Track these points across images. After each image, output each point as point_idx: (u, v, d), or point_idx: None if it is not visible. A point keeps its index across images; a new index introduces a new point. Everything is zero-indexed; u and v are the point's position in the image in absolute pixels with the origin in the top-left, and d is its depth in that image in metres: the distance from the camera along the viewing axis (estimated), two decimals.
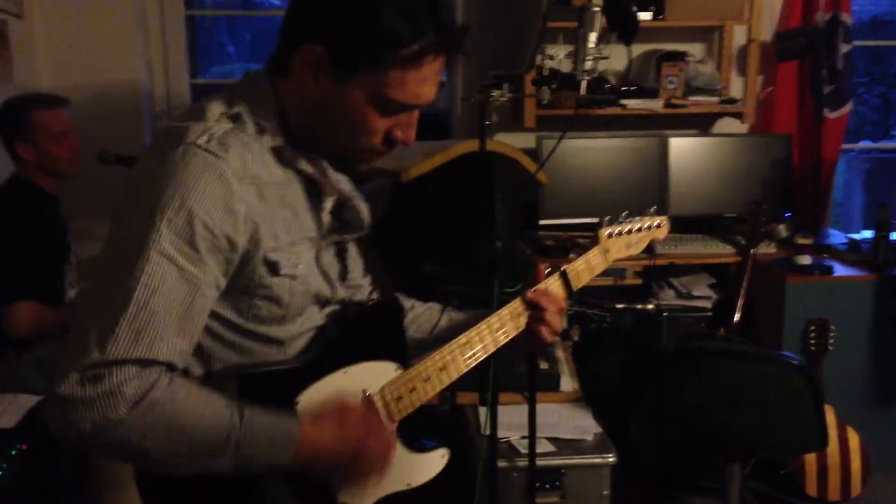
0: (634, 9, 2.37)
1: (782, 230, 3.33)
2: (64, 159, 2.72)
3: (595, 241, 1.63)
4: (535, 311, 1.49)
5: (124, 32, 3.37)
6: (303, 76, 1.23)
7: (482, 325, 1.46)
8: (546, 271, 1.54)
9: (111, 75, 3.35)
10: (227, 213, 1.16)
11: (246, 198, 1.19)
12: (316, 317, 1.35)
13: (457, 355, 1.43)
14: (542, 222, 3.42)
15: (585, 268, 1.60)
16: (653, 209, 1.74)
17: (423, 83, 1.23)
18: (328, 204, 1.35)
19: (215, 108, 1.24)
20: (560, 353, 2.88)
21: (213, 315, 1.23)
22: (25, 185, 2.70)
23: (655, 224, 1.74)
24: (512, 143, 3.20)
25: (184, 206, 1.13)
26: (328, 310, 1.37)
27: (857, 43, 3.62)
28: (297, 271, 1.27)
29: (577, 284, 1.57)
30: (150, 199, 1.14)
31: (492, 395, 2.18)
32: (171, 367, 1.14)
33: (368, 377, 1.35)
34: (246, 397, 1.21)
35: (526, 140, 3.45)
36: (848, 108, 3.60)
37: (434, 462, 1.46)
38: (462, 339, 1.44)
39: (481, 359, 1.46)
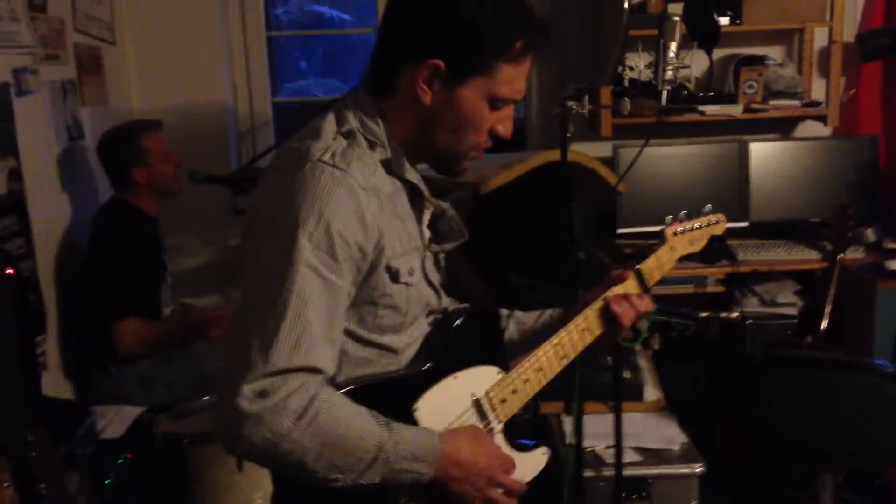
0: (715, 15, 2.36)
1: (870, 234, 3.25)
2: (171, 178, 2.87)
3: (662, 239, 1.71)
4: (614, 303, 1.56)
5: (210, 55, 3.50)
6: (413, 90, 1.30)
7: (570, 326, 1.53)
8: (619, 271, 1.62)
9: (198, 97, 3.49)
10: (359, 223, 1.23)
11: (371, 208, 1.25)
12: (424, 325, 1.42)
13: (551, 356, 1.50)
14: (621, 231, 3.41)
15: (656, 265, 1.68)
16: (708, 207, 1.81)
17: (521, 77, 1.34)
18: (427, 215, 1.44)
19: (329, 127, 1.31)
20: (643, 362, 2.87)
21: (346, 332, 1.29)
22: (127, 207, 2.84)
23: (714, 221, 1.81)
24: (588, 152, 3.20)
25: (322, 219, 1.19)
26: (432, 318, 1.44)
27: None
28: (412, 280, 1.34)
29: (650, 282, 1.65)
30: (288, 215, 1.20)
31: (578, 403, 2.20)
32: (324, 375, 1.21)
33: (475, 382, 1.42)
34: (363, 403, 1.26)
35: (602, 149, 3.45)
36: None
37: (538, 460, 1.52)
38: (554, 339, 1.51)
39: (572, 357, 1.53)
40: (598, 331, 1.56)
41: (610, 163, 3.31)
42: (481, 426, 1.42)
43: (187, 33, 3.46)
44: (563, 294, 2.22)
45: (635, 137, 3.37)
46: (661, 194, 3.40)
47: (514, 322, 1.63)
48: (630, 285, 1.60)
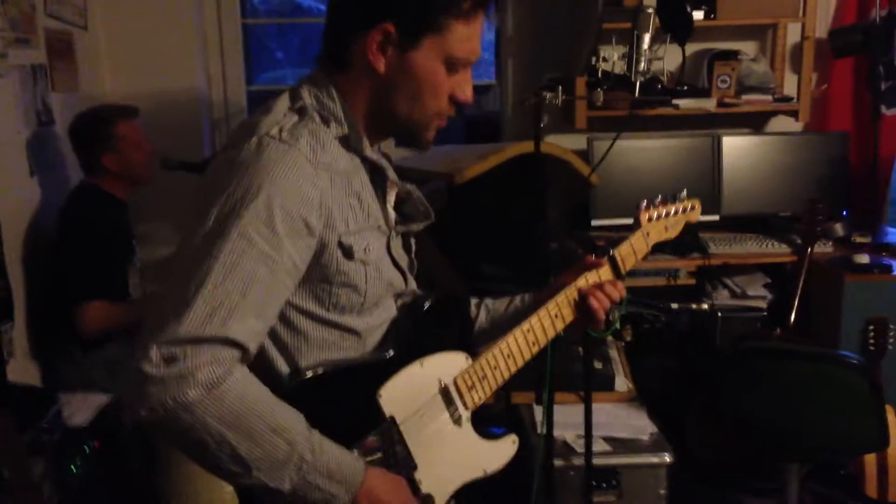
0: (688, 9, 2.37)
1: (839, 229, 3.29)
2: (143, 166, 2.85)
3: (637, 224, 1.69)
4: (590, 294, 1.54)
5: (184, 42, 3.47)
6: (366, 60, 1.29)
7: (542, 312, 1.51)
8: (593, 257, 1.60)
9: (171, 83, 3.45)
10: (303, 198, 1.21)
11: (319, 183, 1.23)
12: (391, 308, 1.40)
13: (521, 342, 1.49)
14: (594, 223, 3.42)
15: (630, 251, 1.66)
16: (684, 193, 1.80)
17: (474, 38, 1.33)
18: (392, 195, 1.42)
19: (282, 105, 1.30)
20: (614, 353, 2.89)
21: (296, 308, 1.27)
22: (96, 191, 2.81)
23: (690, 207, 1.80)
24: (563, 144, 3.21)
25: (261, 190, 1.17)
26: (401, 302, 1.42)
27: None
28: (369, 257, 1.31)
29: (624, 268, 1.63)
30: (229, 186, 1.18)
31: (548, 393, 2.21)
32: (243, 350, 1.15)
33: (442, 368, 1.40)
34: (328, 389, 1.24)
35: (577, 141, 3.46)
36: None
37: (506, 448, 1.50)
38: (525, 325, 1.49)
39: (543, 344, 1.52)
40: (569, 318, 1.55)
41: (585, 155, 3.33)
42: (447, 413, 1.41)
43: (161, 19, 3.42)
44: (535, 284, 2.24)
45: (610, 130, 3.38)
46: (635, 187, 3.42)
47: (485, 309, 1.62)
48: (604, 272, 1.59)
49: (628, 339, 3.18)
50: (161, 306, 1.13)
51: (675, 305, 2.84)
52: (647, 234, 1.70)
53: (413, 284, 1.46)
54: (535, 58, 3.56)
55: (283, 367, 1.29)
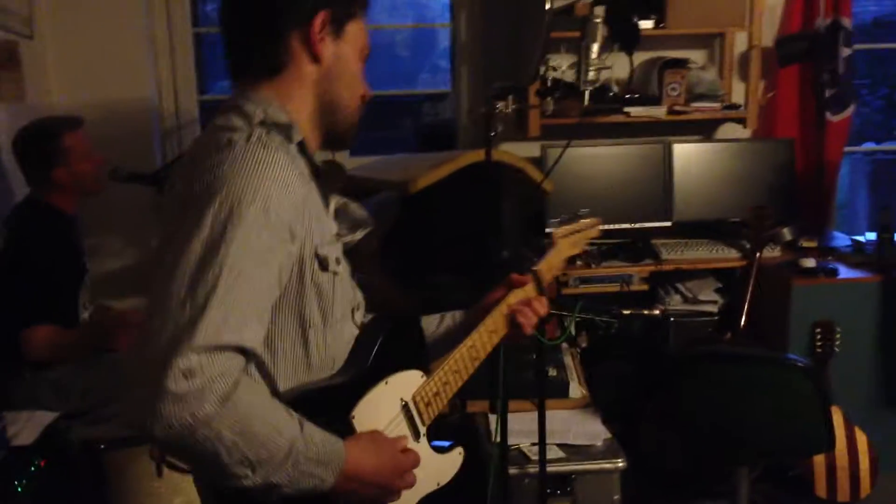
0: (635, 19, 2.40)
1: (787, 233, 3.36)
2: (92, 177, 2.78)
3: (553, 243, 1.84)
4: (518, 312, 1.63)
5: (133, 51, 3.42)
6: (309, 53, 1.31)
7: (481, 328, 1.58)
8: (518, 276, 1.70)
9: (121, 93, 3.40)
10: (292, 203, 1.19)
11: (297, 190, 1.22)
12: (351, 325, 1.40)
13: (466, 358, 1.54)
14: (549, 230, 3.44)
15: (548, 267, 1.78)
16: (585, 211, 1.97)
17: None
18: (332, 205, 1.41)
19: (237, 121, 1.25)
20: (568, 360, 2.91)
21: (275, 324, 1.25)
22: (44, 207, 2.72)
23: (590, 224, 1.95)
24: (517, 152, 3.24)
25: (257, 193, 1.15)
26: (357, 318, 1.42)
27: (857, 46, 3.65)
28: (340, 269, 1.32)
29: (545, 282, 1.74)
30: (222, 191, 1.14)
31: (502, 402, 2.22)
32: (249, 356, 1.14)
33: (403, 386, 1.42)
34: (303, 413, 1.22)
35: (531, 149, 3.49)
36: (850, 111, 3.62)
37: (455, 460, 1.53)
38: (468, 342, 1.55)
39: (483, 358, 1.59)
40: (503, 332, 1.63)
41: (539, 162, 3.35)
42: (409, 431, 1.42)
43: (109, 28, 3.36)
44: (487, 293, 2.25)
45: (563, 137, 3.41)
46: (589, 193, 3.45)
47: (426, 325, 1.64)
48: (529, 288, 1.68)
49: (584, 345, 3.21)
50: (169, 316, 1.09)
51: (627, 312, 2.86)
52: (560, 250, 1.84)
53: (360, 296, 1.47)
54: (489, 66, 3.58)
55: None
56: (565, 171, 3.36)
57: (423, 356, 1.52)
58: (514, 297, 1.64)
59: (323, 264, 1.27)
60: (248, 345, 1.13)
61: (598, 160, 3.47)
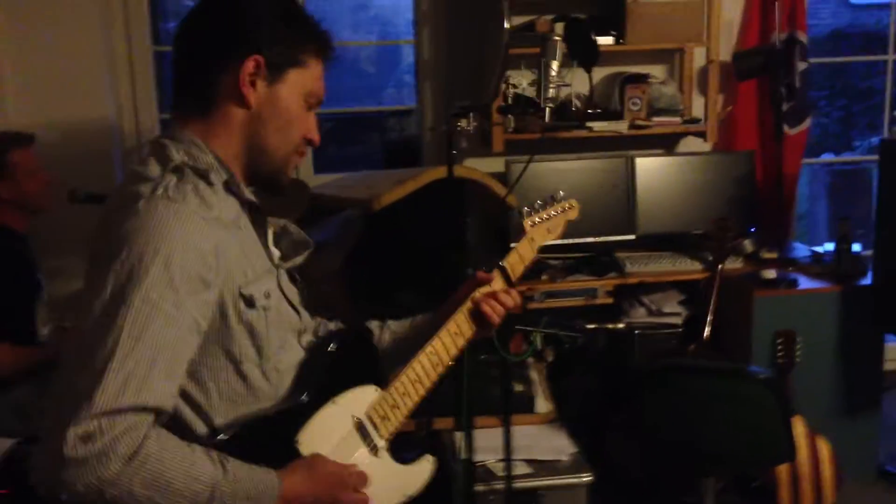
0: (594, 37, 2.43)
1: (748, 245, 3.41)
2: (39, 195, 2.77)
3: (521, 231, 1.75)
4: (483, 303, 1.59)
5: (92, 69, 3.38)
6: (237, 95, 1.31)
7: (442, 332, 1.55)
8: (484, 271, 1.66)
9: (80, 112, 3.36)
10: (199, 253, 1.20)
11: (212, 237, 1.22)
12: (297, 349, 1.40)
13: (426, 364, 1.52)
14: (514, 244, 3.45)
15: (518, 259, 1.73)
16: (561, 194, 1.85)
17: (321, 79, 1.40)
18: (270, 234, 1.43)
19: (153, 168, 1.26)
20: (534, 375, 2.92)
21: (204, 365, 1.25)
22: None
23: (568, 206, 1.86)
24: (481, 167, 3.25)
25: (158, 251, 1.16)
26: (304, 341, 1.43)
27: (813, 60, 3.73)
28: (269, 303, 1.32)
29: (514, 276, 1.69)
30: (122, 252, 1.16)
31: (467, 419, 2.22)
32: (158, 412, 1.15)
33: (355, 403, 1.42)
34: (248, 443, 1.24)
35: (495, 164, 3.51)
36: (807, 124, 3.69)
37: (424, 468, 1.52)
38: (427, 348, 1.52)
39: (447, 363, 1.55)
40: (469, 333, 1.59)
41: (503, 178, 3.37)
42: (364, 446, 1.42)
43: (67, 46, 3.32)
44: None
45: (526, 152, 3.43)
46: None
47: (389, 332, 1.65)
48: (496, 283, 1.64)
49: (550, 359, 3.22)
50: (70, 384, 1.11)
51: (591, 326, 2.89)
52: (532, 238, 1.77)
53: (308, 318, 1.47)
54: (452, 82, 3.60)
55: (199, 426, 1.27)
56: (529, 186, 3.38)
57: (377, 370, 1.51)
58: (479, 294, 1.60)
59: (249, 302, 1.28)
60: (151, 404, 1.13)
61: (561, 174, 3.50)
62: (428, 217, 2.95)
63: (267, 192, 1.41)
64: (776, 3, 3.56)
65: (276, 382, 1.34)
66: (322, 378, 1.39)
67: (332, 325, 1.58)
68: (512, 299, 1.61)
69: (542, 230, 1.79)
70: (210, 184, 1.27)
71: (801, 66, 3.60)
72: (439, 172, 2.82)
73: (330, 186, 3.34)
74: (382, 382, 1.48)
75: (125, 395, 1.10)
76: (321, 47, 1.37)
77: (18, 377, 2.58)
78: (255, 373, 1.30)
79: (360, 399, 1.43)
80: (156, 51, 3.62)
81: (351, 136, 4.67)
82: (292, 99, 1.35)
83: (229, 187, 1.31)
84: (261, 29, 1.31)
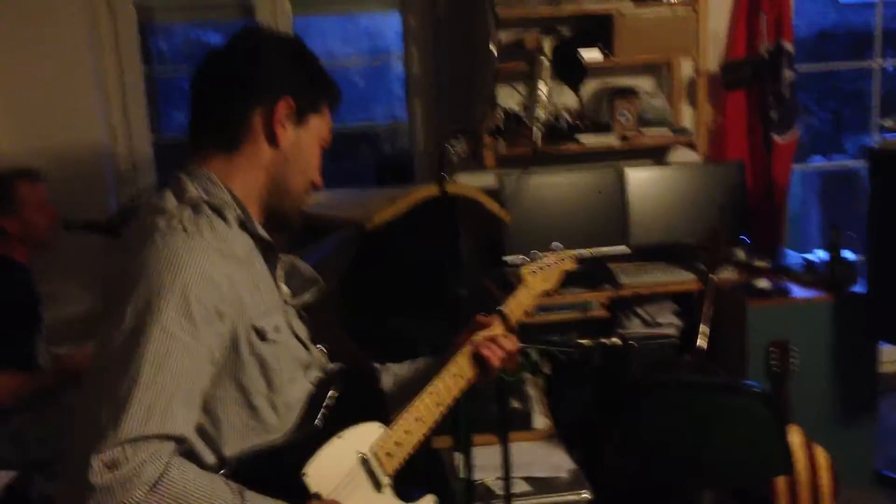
0: (580, 56, 2.45)
1: (740, 254, 3.43)
2: (47, 229, 2.78)
3: (520, 280, 1.82)
4: (482, 346, 1.63)
5: (83, 93, 3.39)
6: (269, 135, 1.36)
7: (443, 373, 1.58)
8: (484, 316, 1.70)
9: (71, 138, 3.37)
10: (214, 286, 1.23)
11: (226, 270, 1.25)
12: (304, 384, 1.42)
13: (429, 404, 1.54)
14: (509, 258, 3.47)
15: (517, 305, 1.77)
16: (556, 245, 1.95)
17: (331, 126, 1.47)
18: (280, 271, 1.46)
19: (170, 201, 1.30)
20: (531, 391, 2.93)
21: (216, 397, 1.27)
22: None
23: (563, 259, 1.94)
24: (474, 182, 3.27)
25: (175, 282, 1.19)
26: (312, 376, 1.45)
27: (800, 68, 3.75)
28: (280, 337, 1.34)
29: (513, 320, 1.74)
30: (141, 282, 1.19)
31: (465, 437, 2.23)
32: (180, 440, 1.17)
33: (360, 439, 1.44)
34: (255, 475, 1.26)
35: (488, 179, 3.52)
36: (796, 132, 3.71)
37: None
38: (429, 388, 1.55)
39: (448, 403, 1.58)
40: (469, 374, 1.62)
41: (496, 193, 3.38)
42: (369, 483, 1.43)
43: (56, 72, 3.33)
44: (443, 333, 2.26)
45: (518, 166, 3.46)
46: (546, 221, 3.49)
47: (389, 375, 1.67)
48: (496, 328, 1.68)
49: (547, 372, 3.23)
50: (92, 414, 1.13)
51: (586, 341, 2.90)
52: (530, 287, 1.82)
53: (315, 354, 1.50)
54: (443, 97, 3.61)
55: (208, 457, 1.28)
56: (522, 200, 3.41)
57: (382, 407, 1.54)
58: (479, 337, 1.65)
59: (261, 335, 1.30)
60: (174, 432, 1.16)
61: (553, 188, 3.52)
62: (421, 235, 2.96)
63: (279, 230, 1.44)
64: (762, 14, 3.59)
65: (285, 416, 1.36)
66: (327, 413, 1.42)
67: (337, 363, 1.60)
68: (511, 343, 1.65)
69: (539, 279, 1.85)
70: (224, 219, 1.30)
71: (788, 75, 3.62)
72: (430, 191, 2.83)
73: (321, 205, 3.35)
74: (386, 421, 1.50)
75: (149, 423, 1.12)
76: (334, 95, 1.45)
77: (18, 405, 2.58)
78: (264, 405, 1.32)
79: (365, 435, 1.45)
80: (147, 73, 3.63)
81: (342, 151, 4.67)
82: (312, 143, 1.42)
83: (243, 224, 1.35)
84: (290, 73, 1.38)
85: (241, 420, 1.30)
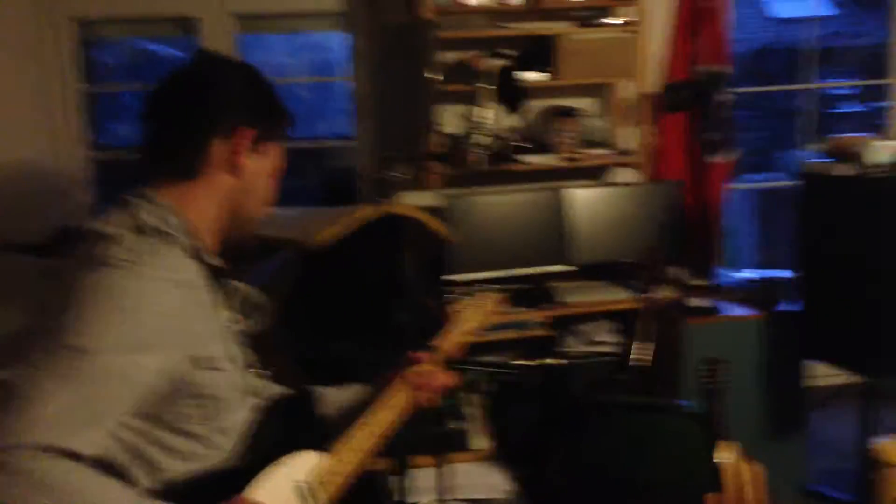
0: (520, 82, 2.49)
1: (677, 273, 3.50)
2: None
3: (451, 319, 1.86)
4: (415, 384, 1.67)
5: (21, 111, 3.33)
6: (230, 165, 1.36)
7: (378, 404, 1.61)
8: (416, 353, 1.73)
9: (7, 155, 3.30)
10: (151, 313, 1.22)
11: (169, 297, 1.25)
12: (244, 411, 1.43)
13: (366, 433, 1.56)
14: (451, 277, 3.49)
15: (448, 341, 1.80)
16: (490, 287, 1.98)
17: (284, 154, 1.48)
18: (230, 297, 1.46)
19: (119, 226, 1.29)
20: (471, 409, 2.95)
21: (153, 421, 1.27)
22: None
23: (492, 299, 1.98)
24: (418, 202, 3.28)
25: (111, 309, 1.19)
26: (252, 403, 1.46)
27: (738, 89, 3.86)
28: (221, 364, 1.35)
29: (445, 356, 1.77)
30: (78, 306, 1.19)
31: (401, 459, 2.25)
32: (77, 457, 1.14)
33: (296, 467, 1.44)
34: (191, 501, 1.26)
35: (432, 198, 3.53)
36: (733, 153, 3.80)
37: None
38: (365, 418, 1.58)
39: (384, 433, 1.61)
40: (402, 406, 1.66)
41: (440, 212, 3.40)
42: None
43: None
44: (385, 358, 2.27)
45: (463, 185, 3.50)
46: (490, 240, 3.52)
47: (330, 401, 1.68)
48: (426, 363, 1.71)
49: (487, 391, 3.26)
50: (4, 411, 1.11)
51: (525, 362, 2.94)
52: (459, 323, 1.85)
53: (256, 380, 1.51)
54: (387, 118, 3.63)
55: (144, 480, 1.28)
56: (466, 220, 3.44)
57: (321, 435, 1.55)
58: (412, 371, 1.68)
59: (202, 362, 1.30)
60: (74, 448, 1.13)
61: (497, 207, 3.55)
62: (365, 256, 2.97)
63: (233, 255, 1.45)
64: (699, 39, 3.68)
65: (223, 442, 1.37)
66: (266, 440, 1.43)
67: (278, 389, 1.61)
68: (442, 380, 1.69)
69: (467, 317, 1.89)
70: (173, 246, 1.31)
71: (725, 97, 3.72)
72: (373, 211, 2.84)
73: (263, 224, 3.33)
74: (324, 448, 1.51)
75: (48, 434, 1.10)
76: (289, 122, 1.47)
77: None
78: (201, 431, 1.33)
79: (301, 463, 1.45)
80: (87, 90, 3.58)
81: (286, 167, 4.65)
82: (269, 171, 1.43)
83: (193, 251, 1.34)
84: (248, 102, 1.39)
85: (178, 445, 1.30)
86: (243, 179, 1.38)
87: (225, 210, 1.39)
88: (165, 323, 1.24)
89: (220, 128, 1.35)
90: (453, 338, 1.83)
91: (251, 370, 1.50)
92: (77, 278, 1.22)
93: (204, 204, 1.37)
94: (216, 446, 1.35)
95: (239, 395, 1.42)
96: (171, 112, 1.37)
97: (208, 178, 1.36)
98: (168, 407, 1.28)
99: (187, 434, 1.31)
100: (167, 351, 1.25)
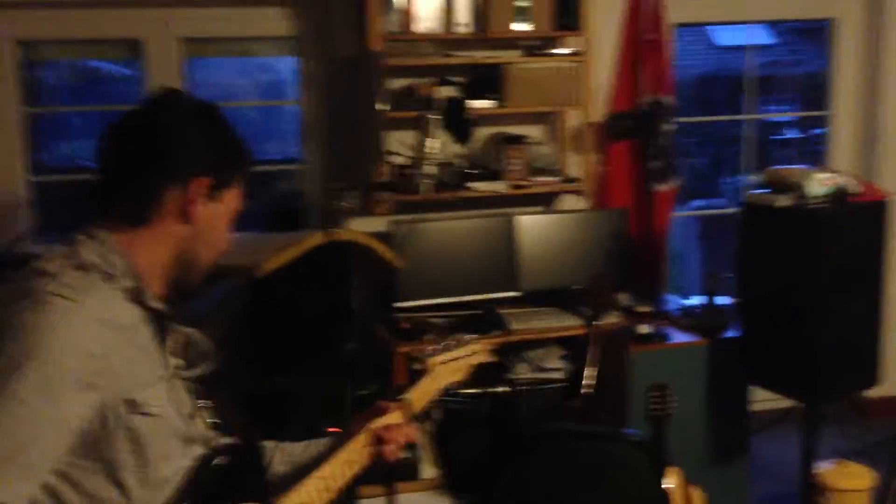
0: (468, 114, 2.51)
1: (624, 300, 3.55)
2: None
3: (426, 369, 1.79)
4: (381, 441, 1.60)
5: None
6: (183, 213, 1.34)
7: (335, 459, 1.54)
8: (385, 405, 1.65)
9: None
10: (86, 356, 1.20)
11: (104, 340, 1.22)
12: (182, 459, 1.38)
13: (320, 488, 1.50)
14: (400, 304, 3.49)
15: (421, 395, 1.75)
16: (469, 337, 1.92)
17: (243, 197, 1.47)
18: (173, 342, 1.42)
19: (59, 262, 1.27)
20: (419, 438, 2.94)
21: (84, 469, 1.24)
22: None
23: (474, 351, 1.91)
24: (366, 228, 3.28)
25: (42, 350, 1.16)
26: (194, 452, 1.40)
27: (680, 119, 3.95)
28: (157, 410, 1.31)
29: (414, 410, 1.71)
30: (11, 344, 1.16)
31: (349, 490, 2.22)
32: None
33: None
34: None
35: (380, 225, 3.53)
36: (676, 180, 3.88)
37: None
38: (319, 472, 1.51)
39: (338, 488, 1.54)
40: (363, 461, 1.59)
41: (388, 238, 3.40)
42: None
43: None
44: (334, 389, 2.26)
45: (412, 211, 3.50)
46: (439, 267, 3.53)
47: (282, 453, 1.64)
48: (395, 416, 1.65)
49: (437, 418, 3.25)
50: None
51: (471, 391, 2.94)
52: (436, 377, 1.80)
53: (200, 429, 1.45)
54: (336, 145, 3.63)
55: None
56: (414, 246, 3.43)
57: (263, 487, 1.50)
58: (378, 425, 1.61)
59: (134, 408, 1.27)
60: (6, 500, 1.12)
61: (445, 234, 3.56)
62: (312, 283, 2.95)
63: (178, 297, 1.42)
64: (644, 69, 3.76)
65: (155, 492, 1.32)
66: (206, 491, 1.38)
67: (225, 439, 1.56)
68: (409, 435, 1.63)
69: (447, 370, 1.83)
70: (112, 286, 1.28)
71: (668, 127, 3.80)
72: (321, 239, 2.83)
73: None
74: (266, 502, 1.45)
75: None
76: (248, 169, 1.45)
77: None
78: (131, 481, 1.28)
79: None
80: (27, 112, 3.50)
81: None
82: (224, 218, 1.41)
83: (135, 294, 1.32)
84: (207, 152, 1.37)
85: (107, 494, 1.26)
86: (196, 227, 1.36)
87: (174, 256, 1.37)
88: (98, 366, 1.21)
89: (176, 177, 1.33)
90: (427, 392, 1.76)
91: (198, 418, 1.45)
92: (10, 316, 1.19)
93: (153, 249, 1.35)
94: (148, 497, 1.30)
95: (180, 443, 1.37)
96: (127, 157, 1.35)
97: (160, 225, 1.34)
98: (97, 453, 1.25)
99: (118, 482, 1.27)
100: (100, 394, 1.22)
